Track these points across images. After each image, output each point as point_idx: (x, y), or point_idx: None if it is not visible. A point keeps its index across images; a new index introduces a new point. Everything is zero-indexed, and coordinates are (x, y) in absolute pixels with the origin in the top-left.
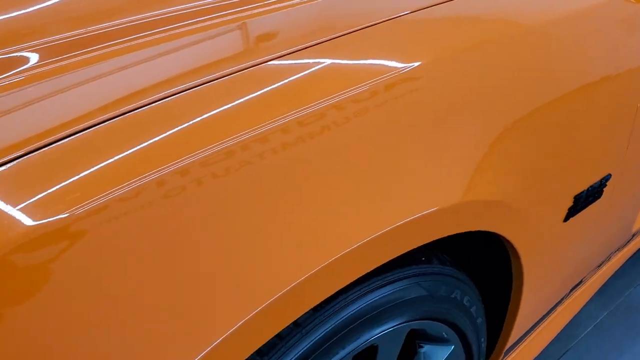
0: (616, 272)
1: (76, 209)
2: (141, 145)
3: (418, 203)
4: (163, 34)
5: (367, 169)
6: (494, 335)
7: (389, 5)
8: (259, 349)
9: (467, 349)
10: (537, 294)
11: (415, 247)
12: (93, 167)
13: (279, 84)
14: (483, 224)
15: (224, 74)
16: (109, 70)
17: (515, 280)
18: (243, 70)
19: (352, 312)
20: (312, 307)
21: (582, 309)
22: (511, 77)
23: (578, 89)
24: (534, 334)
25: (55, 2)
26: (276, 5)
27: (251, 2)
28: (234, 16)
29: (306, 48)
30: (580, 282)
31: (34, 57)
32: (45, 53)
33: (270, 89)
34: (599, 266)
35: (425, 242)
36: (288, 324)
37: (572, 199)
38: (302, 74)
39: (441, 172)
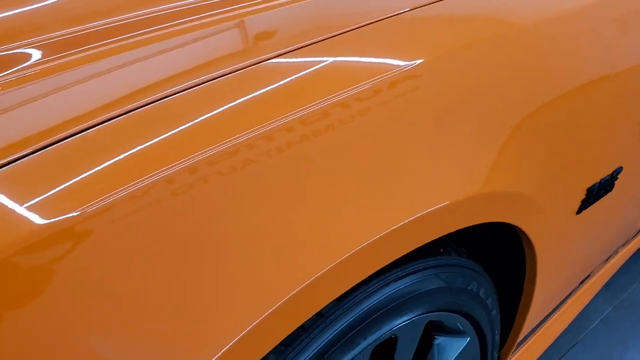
0: (620, 268)
1: (87, 207)
2: (148, 143)
3: (438, 194)
4: (162, 31)
5: (370, 166)
6: (506, 328)
7: (385, 3)
8: (283, 340)
9: (482, 341)
10: (549, 285)
11: (433, 239)
12: (100, 165)
13: (282, 82)
14: (501, 215)
15: (226, 72)
16: (110, 68)
17: (528, 271)
18: (245, 68)
19: (373, 303)
20: (336, 297)
21: (588, 302)
22: (520, 75)
23: (594, 84)
24: (545, 326)
25: (54, 1)
26: (275, 2)
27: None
28: (234, 13)
29: (307, 46)
30: (589, 275)
31: (33, 55)
32: (44, 51)
33: (273, 88)
34: (607, 259)
35: (443, 234)
36: (311, 315)
37: (585, 192)
38: (304, 72)
39: (459, 165)
